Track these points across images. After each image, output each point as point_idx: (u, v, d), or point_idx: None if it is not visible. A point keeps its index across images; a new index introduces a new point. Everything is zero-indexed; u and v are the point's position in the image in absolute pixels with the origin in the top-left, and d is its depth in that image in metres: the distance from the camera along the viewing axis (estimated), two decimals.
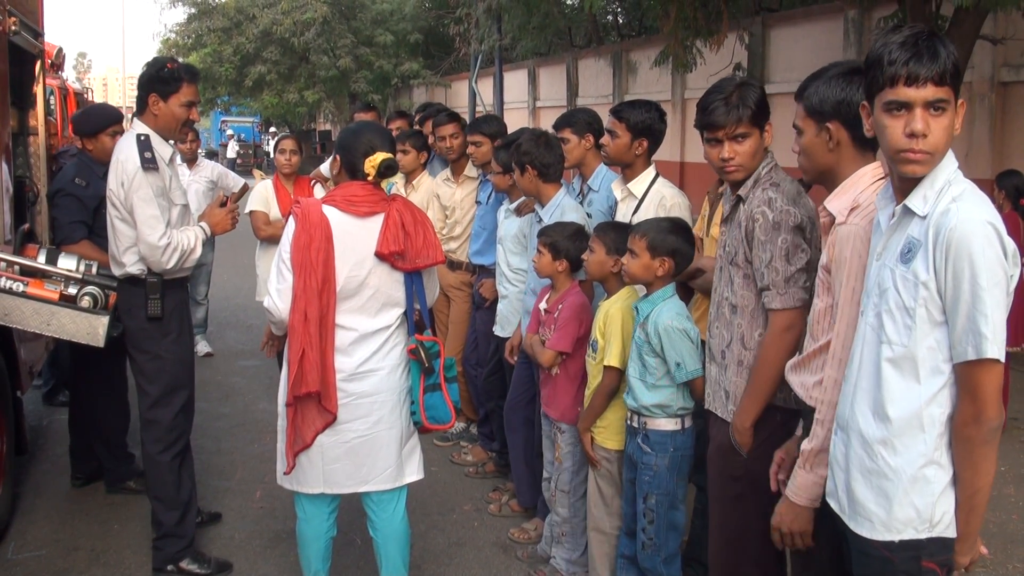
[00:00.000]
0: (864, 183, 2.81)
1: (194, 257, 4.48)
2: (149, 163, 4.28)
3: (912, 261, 2.35)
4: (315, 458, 3.81)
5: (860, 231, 2.73)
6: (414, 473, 4.01)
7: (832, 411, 2.70)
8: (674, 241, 3.83)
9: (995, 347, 2.24)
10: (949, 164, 2.40)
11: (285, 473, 3.90)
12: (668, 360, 3.79)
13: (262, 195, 6.89)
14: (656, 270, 3.83)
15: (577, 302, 4.40)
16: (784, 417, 3.15)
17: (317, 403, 3.73)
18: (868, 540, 2.45)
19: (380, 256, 3.73)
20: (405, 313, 3.90)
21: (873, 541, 2.44)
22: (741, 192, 3.29)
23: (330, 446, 3.80)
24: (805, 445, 2.81)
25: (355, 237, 3.72)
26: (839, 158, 2.85)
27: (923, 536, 2.37)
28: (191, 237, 4.46)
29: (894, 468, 2.39)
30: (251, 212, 6.72)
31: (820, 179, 2.96)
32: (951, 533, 2.38)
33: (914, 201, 2.39)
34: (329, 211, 3.72)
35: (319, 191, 6.96)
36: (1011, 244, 2.28)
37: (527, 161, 4.69)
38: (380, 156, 3.73)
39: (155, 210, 4.29)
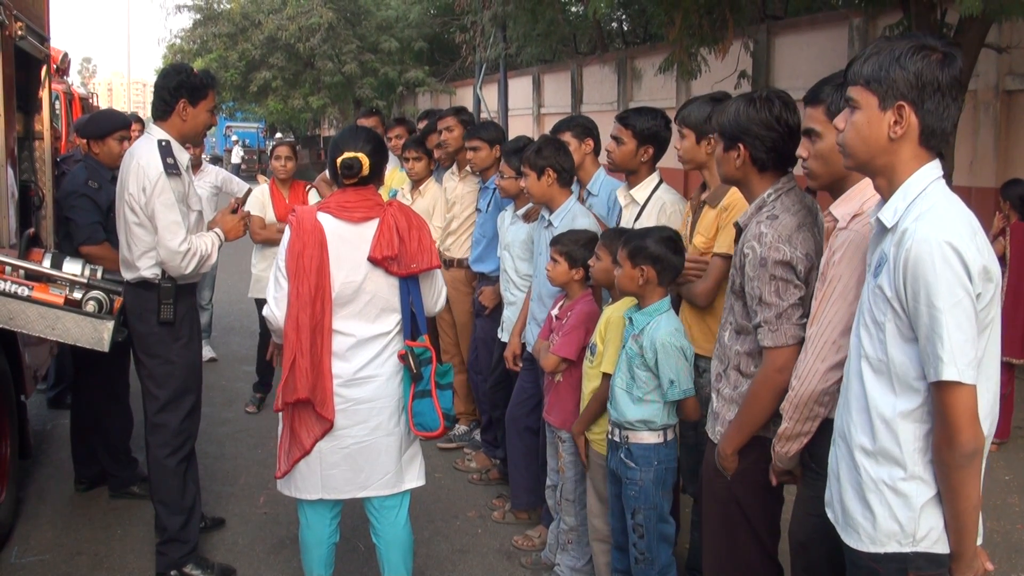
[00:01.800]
0: (871, 191, 2.77)
1: (211, 262, 4.53)
2: (172, 168, 4.37)
3: (880, 275, 2.35)
4: (313, 464, 3.83)
5: (858, 238, 2.73)
6: (415, 479, 4.01)
7: (799, 399, 2.81)
8: (654, 248, 3.78)
9: (954, 369, 2.19)
10: (924, 174, 2.37)
11: (277, 477, 3.91)
12: (661, 377, 3.76)
13: (258, 200, 7.16)
14: (637, 279, 3.81)
15: (585, 310, 4.39)
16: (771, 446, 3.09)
17: (314, 410, 3.73)
18: (856, 551, 2.45)
19: (373, 261, 3.73)
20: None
21: (861, 552, 2.44)
22: (740, 220, 3.24)
23: (328, 451, 3.81)
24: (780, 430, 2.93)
25: (349, 243, 3.74)
26: None
27: (907, 550, 2.36)
28: (208, 243, 4.51)
29: (875, 480, 2.38)
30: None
31: (833, 186, 2.94)
32: (941, 549, 2.35)
33: (885, 213, 2.38)
34: (323, 218, 3.74)
35: (314, 196, 7.19)
36: (977, 262, 2.21)
37: (548, 164, 4.64)
38: (343, 156, 3.75)
39: (177, 216, 4.34)
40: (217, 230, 4.66)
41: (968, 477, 2.27)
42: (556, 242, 4.45)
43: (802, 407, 2.81)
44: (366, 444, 3.83)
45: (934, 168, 2.38)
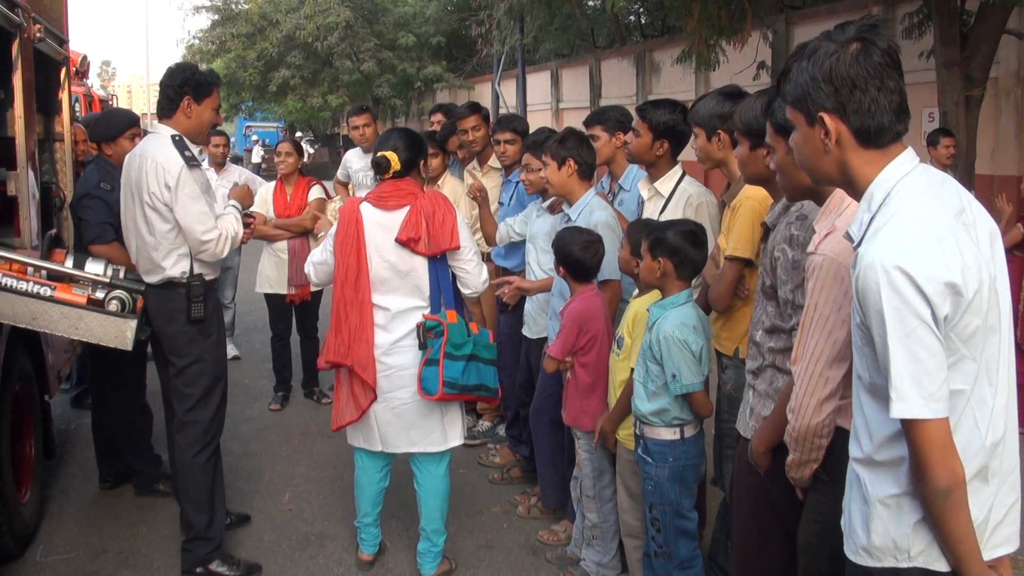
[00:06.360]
0: (848, 201, 2.62)
1: (237, 238, 4.62)
2: (191, 160, 4.41)
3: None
4: (371, 421, 4.40)
5: (827, 262, 2.58)
6: (457, 438, 4.52)
7: (798, 433, 2.70)
8: (673, 241, 3.76)
9: (902, 406, 2.04)
10: (886, 177, 2.20)
11: (333, 430, 4.52)
12: (665, 370, 3.74)
13: (262, 196, 7.47)
14: (655, 270, 3.80)
15: (576, 309, 4.35)
16: None
17: (359, 376, 4.26)
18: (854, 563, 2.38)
19: (400, 243, 4.23)
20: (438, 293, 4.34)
21: (858, 563, 2.36)
22: (768, 220, 3.18)
23: (381, 411, 4.38)
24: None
25: (384, 228, 4.26)
26: None
27: (903, 565, 2.24)
28: (231, 222, 4.60)
29: (871, 492, 2.28)
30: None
31: (802, 196, 2.88)
32: (940, 567, 2.21)
33: (852, 228, 2.23)
34: (364, 207, 4.31)
35: (316, 191, 7.48)
36: (936, 280, 2.01)
37: (569, 155, 4.63)
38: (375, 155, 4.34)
39: (203, 206, 4.41)
40: (232, 203, 4.80)
41: (947, 511, 2.12)
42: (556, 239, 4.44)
43: (803, 440, 2.73)
44: (410, 405, 4.35)
45: (899, 166, 2.20)
